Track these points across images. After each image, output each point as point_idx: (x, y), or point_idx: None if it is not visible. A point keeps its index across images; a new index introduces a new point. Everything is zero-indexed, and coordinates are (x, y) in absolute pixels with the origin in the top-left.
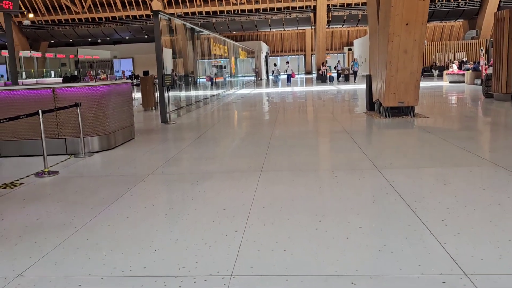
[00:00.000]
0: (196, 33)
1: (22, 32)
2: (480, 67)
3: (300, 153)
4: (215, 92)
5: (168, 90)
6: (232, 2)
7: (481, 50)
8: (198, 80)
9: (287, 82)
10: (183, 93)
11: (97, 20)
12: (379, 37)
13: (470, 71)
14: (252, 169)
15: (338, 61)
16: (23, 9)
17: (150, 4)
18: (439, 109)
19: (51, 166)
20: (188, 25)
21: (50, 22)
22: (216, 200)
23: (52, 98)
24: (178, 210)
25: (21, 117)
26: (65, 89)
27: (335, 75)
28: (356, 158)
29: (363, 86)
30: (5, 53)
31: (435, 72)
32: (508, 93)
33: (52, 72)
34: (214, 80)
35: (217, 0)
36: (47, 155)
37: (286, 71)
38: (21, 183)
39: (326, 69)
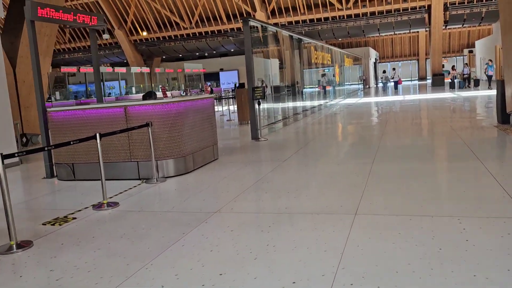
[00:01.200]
0: (294, 41)
1: (137, 50)
2: None
3: (410, 187)
4: (317, 102)
5: (259, 104)
6: (338, 8)
7: None
8: (298, 90)
9: (395, 89)
10: (280, 105)
11: (203, 34)
12: None
13: None
14: (344, 210)
15: (466, 63)
16: (109, 24)
17: (254, 15)
18: None
19: (115, 195)
20: (285, 32)
21: (161, 39)
22: (285, 262)
23: (124, 117)
24: (230, 278)
25: (72, 142)
26: (136, 107)
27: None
28: (494, 198)
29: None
30: (121, 69)
31: None
32: None
33: (159, 87)
34: (317, 90)
35: (322, 7)
36: (121, 179)
37: (393, 78)
38: (74, 218)
39: (458, 74)
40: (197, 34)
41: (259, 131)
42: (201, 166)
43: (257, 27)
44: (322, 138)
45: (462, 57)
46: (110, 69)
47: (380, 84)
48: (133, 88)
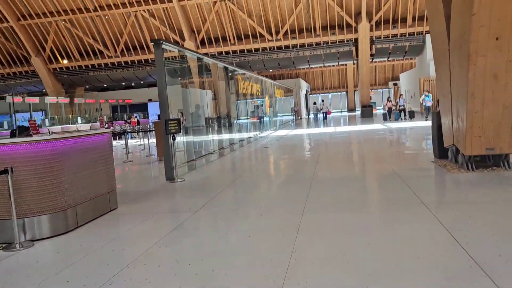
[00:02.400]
0: (221, 70)
1: (57, 79)
2: None
3: (351, 252)
4: (246, 135)
5: (173, 139)
6: (268, 39)
7: None
8: (226, 121)
9: (323, 119)
10: (205, 138)
11: (129, 63)
12: (451, 60)
13: None
14: None
15: (401, 94)
16: (25, 51)
17: (182, 45)
18: None
19: None
20: (211, 60)
21: (83, 67)
22: None
23: None
24: None
25: None
26: None
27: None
28: (444, 249)
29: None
30: (32, 99)
31: None
32: None
33: (79, 118)
34: (248, 122)
35: (252, 38)
36: None
37: (322, 109)
38: None
39: (393, 105)
40: (123, 63)
41: (174, 171)
42: (90, 220)
43: (185, 56)
44: (247, 178)
45: (387, 89)
46: (19, 99)
47: (312, 116)
48: (47, 120)
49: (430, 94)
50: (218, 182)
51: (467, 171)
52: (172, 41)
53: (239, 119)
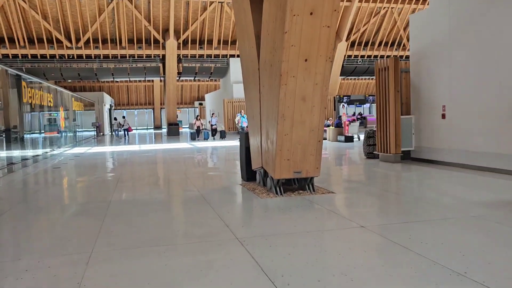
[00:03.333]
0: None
1: None
2: (343, 123)
3: None
4: (32, 152)
5: None
6: (66, 46)
7: (343, 105)
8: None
9: (124, 136)
10: None
11: None
12: (261, 80)
13: (331, 127)
14: None
15: (213, 113)
16: None
17: None
18: (332, 176)
19: None
20: None
21: None
22: None
23: None
24: None
25: None
26: None
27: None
28: None
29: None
30: None
31: None
32: (397, 154)
33: None
34: (36, 137)
35: (47, 42)
36: None
37: (123, 126)
38: None
39: (202, 124)
40: None
41: None
42: None
43: None
44: (21, 211)
45: (193, 108)
46: None
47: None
48: None
49: (246, 115)
50: None
51: (275, 195)
52: None
53: (27, 133)
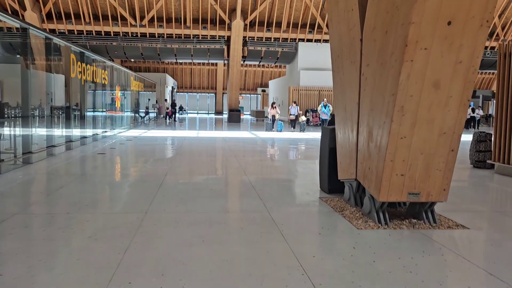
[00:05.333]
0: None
1: None
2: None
3: None
4: (80, 133)
5: None
6: (131, 23)
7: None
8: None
9: (169, 118)
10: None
11: None
12: (364, 54)
13: None
14: None
15: (294, 102)
16: None
17: (23, 15)
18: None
19: None
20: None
21: None
22: None
23: None
24: None
25: None
26: None
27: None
28: None
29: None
30: None
31: None
32: None
33: None
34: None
35: (111, 19)
36: None
37: (167, 108)
38: None
39: (277, 113)
40: None
41: None
42: None
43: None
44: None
45: (256, 95)
46: None
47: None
48: None
49: (329, 104)
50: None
51: (377, 225)
52: (8, 9)
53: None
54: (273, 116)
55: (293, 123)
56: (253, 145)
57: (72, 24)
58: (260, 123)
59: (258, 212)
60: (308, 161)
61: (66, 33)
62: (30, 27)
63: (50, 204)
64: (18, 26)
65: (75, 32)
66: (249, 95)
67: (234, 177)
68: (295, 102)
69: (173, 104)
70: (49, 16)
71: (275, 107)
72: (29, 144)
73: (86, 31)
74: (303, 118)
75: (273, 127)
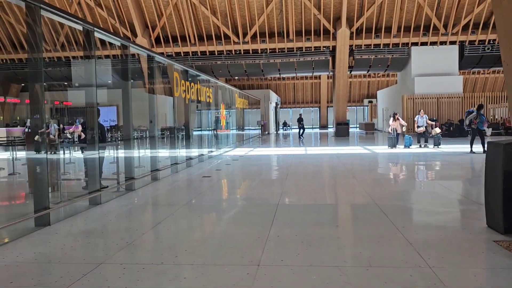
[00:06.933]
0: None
1: None
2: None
3: None
4: (185, 153)
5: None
6: (234, 41)
7: None
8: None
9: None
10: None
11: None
12: None
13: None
14: None
15: (421, 110)
16: None
17: (134, 41)
18: None
19: None
20: (169, 61)
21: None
22: None
23: None
24: None
25: None
26: None
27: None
28: None
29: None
30: None
31: (488, 131)
32: None
33: None
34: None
35: (215, 39)
36: None
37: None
38: None
39: (402, 125)
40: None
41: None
42: None
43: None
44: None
45: (362, 107)
46: None
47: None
48: None
49: (426, 115)
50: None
51: None
52: (122, 36)
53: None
54: (396, 130)
55: (422, 136)
56: (373, 163)
57: (179, 46)
58: (370, 137)
59: (414, 268)
60: (453, 182)
61: (173, 55)
62: (156, 55)
63: (140, 249)
64: (145, 55)
65: (182, 54)
66: (354, 107)
67: (362, 207)
68: (423, 110)
69: (300, 120)
70: (157, 40)
71: (398, 119)
72: (132, 169)
73: (192, 52)
74: (437, 130)
75: (397, 142)
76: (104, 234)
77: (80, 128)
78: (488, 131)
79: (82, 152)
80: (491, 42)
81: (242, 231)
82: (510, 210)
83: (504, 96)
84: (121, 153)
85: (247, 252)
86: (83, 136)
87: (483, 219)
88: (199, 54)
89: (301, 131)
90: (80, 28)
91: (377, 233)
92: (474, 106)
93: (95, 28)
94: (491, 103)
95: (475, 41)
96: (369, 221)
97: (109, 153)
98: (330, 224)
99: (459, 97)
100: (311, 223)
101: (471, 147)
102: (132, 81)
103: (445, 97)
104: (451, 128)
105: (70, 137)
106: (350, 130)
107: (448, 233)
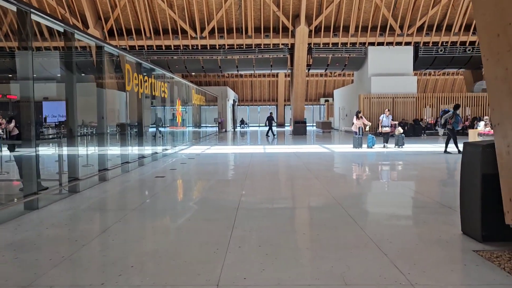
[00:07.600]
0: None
1: None
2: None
3: None
4: (144, 150)
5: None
6: (191, 36)
7: None
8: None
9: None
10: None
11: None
12: None
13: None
14: None
15: (387, 110)
16: None
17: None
18: None
19: None
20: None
21: None
22: None
23: None
24: None
25: None
26: None
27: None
28: None
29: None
30: None
31: (441, 131)
32: None
33: None
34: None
35: (172, 33)
36: None
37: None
38: None
39: (365, 125)
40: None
41: None
42: None
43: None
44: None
45: (319, 106)
46: None
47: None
48: None
49: (391, 116)
50: None
51: None
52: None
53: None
54: (359, 129)
55: (386, 136)
56: (334, 162)
57: (134, 40)
58: (327, 135)
59: (395, 286)
60: (418, 185)
61: (128, 48)
62: (105, 44)
63: (78, 266)
64: (93, 43)
65: (136, 48)
66: (311, 106)
67: (329, 212)
68: (388, 110)
69: (270, 118)
70: (110, 33)
71: (361, 117)
72: (76, 169)
73: (147, 46)
74: (400, 130)
75: (362, 142)
76: (36, 247)
77: (13, 123)
78: (440, 131)
79: (11, 150)
80: (444, 44)
81: (198, 240)
82: (489, 216)
83: (453, 97)
84: (65, 151)
85: (204, 268)
86: (15, 132)
87: (457, 224)
88: (154, 48)
89: (270, 131)
90: (14, 8)
91: (348, 242)
92: (426, 107)
93: (31, 10)
94: (442, 104)
95: (429, 42)
96: (339, 228)
97: (55, 151)
98: (297, 231)
99: (413, 97)
100: (276, 231)
101: (446, 147)
102: (83, 74)
103: (400, 97)
104: (406, 127)
105: (1, 133)
106: (307, 128)
107: (423, 241)
